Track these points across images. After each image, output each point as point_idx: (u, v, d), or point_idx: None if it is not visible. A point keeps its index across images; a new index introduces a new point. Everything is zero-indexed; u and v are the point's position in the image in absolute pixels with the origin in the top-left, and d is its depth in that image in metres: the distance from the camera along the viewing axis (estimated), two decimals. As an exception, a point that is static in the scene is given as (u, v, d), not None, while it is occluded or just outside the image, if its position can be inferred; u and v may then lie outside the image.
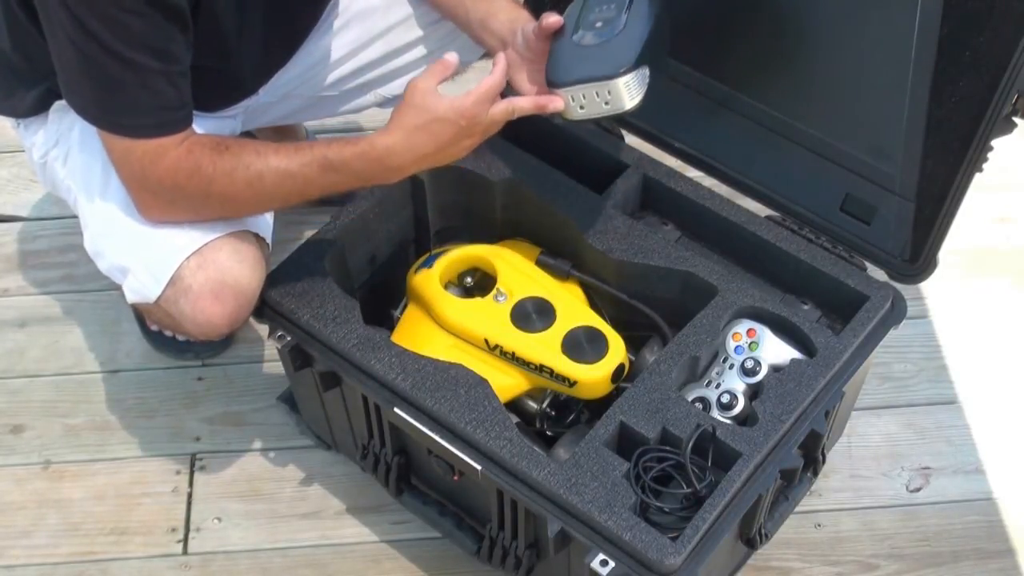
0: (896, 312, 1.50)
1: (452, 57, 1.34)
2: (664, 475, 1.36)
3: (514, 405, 1.53)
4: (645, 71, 1.37)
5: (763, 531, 1.49)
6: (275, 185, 1.37)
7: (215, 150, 1.37)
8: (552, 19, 1.41)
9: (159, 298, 1.45)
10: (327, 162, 1.36)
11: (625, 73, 1.35)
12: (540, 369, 1.49)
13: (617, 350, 1.49)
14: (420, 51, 1.70)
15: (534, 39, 1.43)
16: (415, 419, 1.42)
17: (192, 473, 1.76)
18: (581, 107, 1.38)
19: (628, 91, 1.36)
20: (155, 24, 1.28)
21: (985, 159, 1.41)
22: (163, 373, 1.88)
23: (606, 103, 1.37)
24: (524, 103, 1.38)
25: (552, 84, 1.40)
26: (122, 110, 1.33)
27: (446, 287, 1.57)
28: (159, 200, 1.41)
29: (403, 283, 1.62)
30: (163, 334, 1.87)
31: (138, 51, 1.28)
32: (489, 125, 1.36)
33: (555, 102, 1.38)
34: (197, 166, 1.36)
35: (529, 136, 1.61)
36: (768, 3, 1.54)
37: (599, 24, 1.39)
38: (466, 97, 1.32)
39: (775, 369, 1.45)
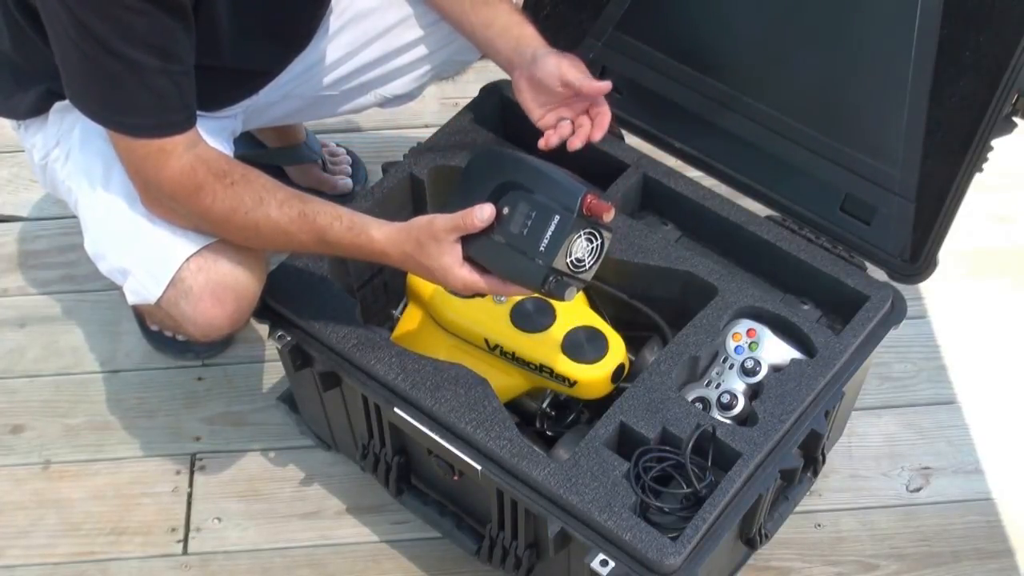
0: (896, 312, 1.50)
1: (484, 214, 1.30)
2: (664, 475, 1.36)
3: (514, 405, 1.53)
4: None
5: (763, 531, 1.49)
6: (269, 235, 1.39)
7: (220, 180, 1.36)
8: (601, 85, 1.47)
9: (160, 300, 1.45)
10: (323, 238, 1.38)
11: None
12: (540, 369, 1.49)
13: (617, 350, 1.49)
14: (419, 51, 1.70)
15: (558, 85, 1.47)
16: (415, 419, 1.42)
17: (192, 473, 1.76)
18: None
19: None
20: (157, 22, 1.28)
21: (985, 159, 1.41)
22: (163, 373, 1.88)
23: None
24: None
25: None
26: (124, 109, 1.33)
27: (446, 287, 1.57)
28: (160, 204, 1.41)
29: (403, 283, 1.62)
30: (163, 334, 1.87)
31: (140, 50, 1.28)
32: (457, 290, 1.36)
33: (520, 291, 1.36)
34: (198, 190, 1.36)
35: (529, 136, 1.60)
36: (768, 3, 1.54)
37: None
38: (463, 270, 1.31)
39: (775, 369, 1.45)
